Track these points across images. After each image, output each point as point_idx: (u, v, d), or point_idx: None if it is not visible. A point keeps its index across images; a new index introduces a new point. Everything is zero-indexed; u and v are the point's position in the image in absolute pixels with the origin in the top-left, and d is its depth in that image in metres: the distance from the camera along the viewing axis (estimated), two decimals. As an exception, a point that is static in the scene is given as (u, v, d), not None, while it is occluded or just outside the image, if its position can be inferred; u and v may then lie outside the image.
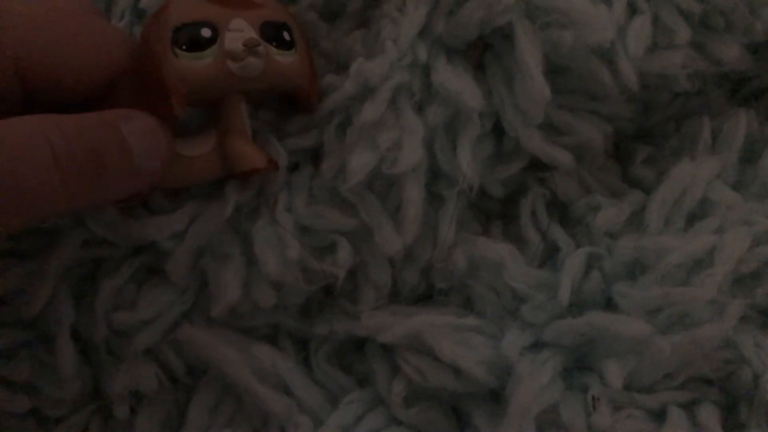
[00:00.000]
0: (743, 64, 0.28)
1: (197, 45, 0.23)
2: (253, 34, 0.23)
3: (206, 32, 0.23)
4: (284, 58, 0.24)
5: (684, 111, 0.29)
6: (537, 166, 0.27)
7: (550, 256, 0.27)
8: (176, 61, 0.23)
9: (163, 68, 0.23)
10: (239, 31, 0.23)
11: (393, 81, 0.25)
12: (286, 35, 0.24)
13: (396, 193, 0.25)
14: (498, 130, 0.26)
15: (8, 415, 0.26)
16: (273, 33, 0.24)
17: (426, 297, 0.27)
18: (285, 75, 0.24)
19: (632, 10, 0.26)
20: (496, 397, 0.24)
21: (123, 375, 0.26)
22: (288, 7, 0.26)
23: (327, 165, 0.25)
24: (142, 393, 0.26)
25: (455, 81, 0.25)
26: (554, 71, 0.26)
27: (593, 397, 0.23)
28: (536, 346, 0.24)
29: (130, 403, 0.27)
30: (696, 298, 0.24)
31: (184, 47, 0.23)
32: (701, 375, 0.24)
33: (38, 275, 0.25)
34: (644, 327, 0.23)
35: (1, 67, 0.22)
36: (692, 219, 0.26)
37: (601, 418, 0.23)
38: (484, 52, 0.27)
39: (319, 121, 0.26)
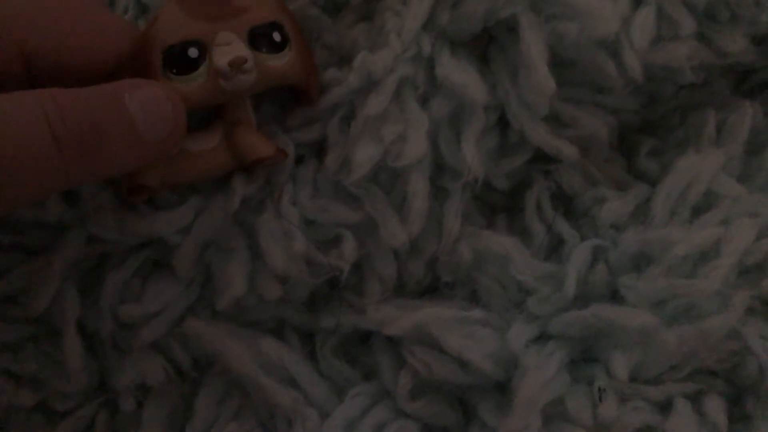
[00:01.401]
0: (748, 56, 0.28)
1: (187, 67, 0.23)
2: (240, 46, 0.23)
3: (193, 52, 0.23)
4: (277, 61, 0.24)
5: (689, 103, 0.29)
6: (542, 159, 0.27)
7: (555, 249, 0.27)
8: (171, 84, 0.23)
9: None
10: (227, 45, 0.23)
11: (397, 74, 0.25)
12: (276, 36, 0.24)
13: (401, 186, 0.25)
14: (503, 123, 0.26)
15: (15, 409, 0.27)
16: (262, 38, 0.24)
17: (431, 290, 0.27)
18: (280, 76, 0.24)
19: (637, 2, 0.26)
20: (502, 390, 0.24)
21: (129, 368, 0.26)
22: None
23: (331, 158, 0.25)
24: (148, 386, 0.27)
25: (459, 74, 0.25)
26: (559, 64, 0.25)
27: (599, 389, 0.23)
28: (542, 338, 0.24)
29: (136, 397, 0.27)
30: (701, 290, 0.24)
31: (174, 71, 0.23)
32: (707, 367, 0.24)
33: (44, 272, 0.25)
34: (650, 319, 0.23)
35: (7, 51, 0.22)
36: (697, 211, 0.26)
37: (607, 409, 0.23)
38: (489, 44, 0.26)
39: (323, 115, 0.26)
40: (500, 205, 0.29)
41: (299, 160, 0.26)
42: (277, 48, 0.24)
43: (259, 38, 0.24)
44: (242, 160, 0.25)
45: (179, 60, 0.23)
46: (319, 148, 0.26)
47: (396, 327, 0.25)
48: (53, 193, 0.25)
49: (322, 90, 0.26)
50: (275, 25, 0.24)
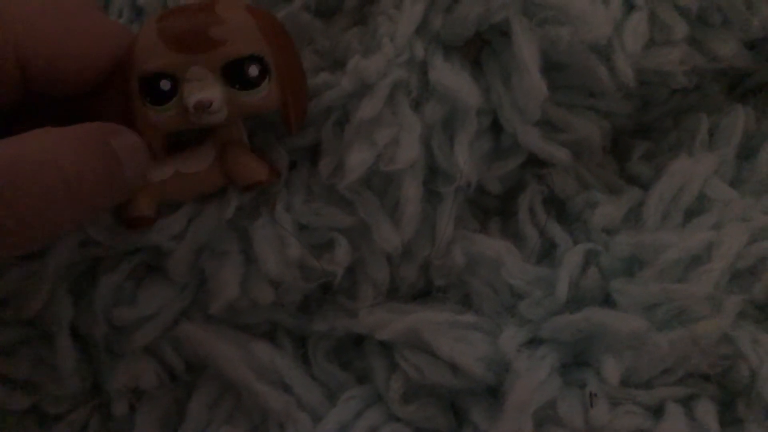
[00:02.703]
0: (741, 60, 0.28)
1: (159, 99, 0.23)
2: (209, 84, 0.23)
3: (165, 85, 0.23)
4: (251, 97, 0.23)
5: (681, 107, 0.29)
6: (534, 163, 0.27)
7: (547, 253, 0.27)
8: (146, 111, 0.23)
9: (137, 120, 0.23)
10: (198, 81, 0.23)
11: (390, 78, 0.25)
12: (253, 70, 0.23)
13: (394, 190, 0.25)
14: (495, 127, 0.26)
15: (8, 412, 0.27)
16: (235, 73, 0.23)
17: (424, 294, 0.27)
18: (254, 110, 0.24)
19: (629, 7, 0.26)
20: (494, 394, 0.24)
21: (122, 372, 0.26)
22: (268, 17, 0.24)
23: (324, 163, 0.26)
24: (141, 390, 0.27)
25: (452, 78, 0.25)
26: (551, 68, 0.25)
27: (591, 393, 0.23)
28: (534, 342, 0.24)
29: (129, 400, 0.27)
30: (693, 294, 0.24)
31: (149, 100, 0.23)
32: (699, 371, 0.24)
33: (37, 276, 0.25)
34: (642, 323, 0.23)
35: (2, 55, 0.22)
36: (690, 215, 0.26)
37: (598, 413, 0.23)
38: (482, 49, 0.27)
39: (316, 119, 0.26)
40: (493, 209, 0.29)
41: (292, 165, 0.26)
42: (252, 84, 0.23)
43: (232, 74, 0.23)
44: (235, 182, 0.25)
45: (152, 91, 0.23)
46: (313, 153, 0.26)
47: (388, 331, 0.25)
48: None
49: (313, 94, 0.26)
50: (252, 58, 0.23)
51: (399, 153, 0.25)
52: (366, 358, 0.26)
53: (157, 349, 0.26)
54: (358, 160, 0.24)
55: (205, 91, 0.23)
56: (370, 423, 0.25)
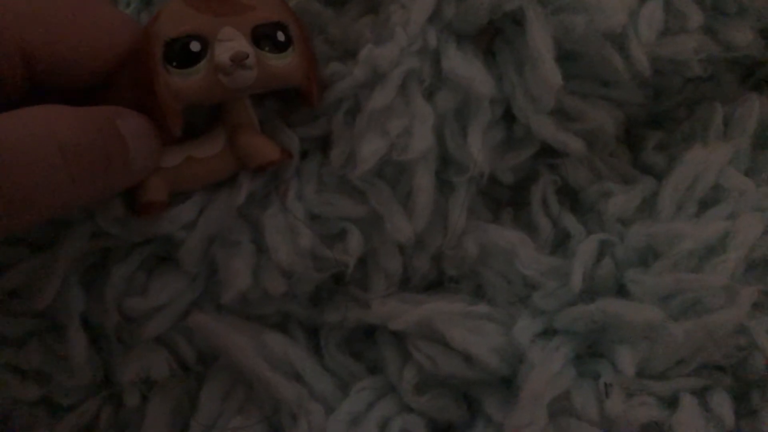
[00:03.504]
0: (755, 49, 0.28)
1: (187, 61, 0.23)
2: (243, 42, 0.23)
3: (195, 46, 0.23)
4: (279, 61, 0.24)
5: (696, 96, 0.29)
6: (548, 153, 0.27)
7: (561, 244, 0.27)
8: (169, 78, 0.23)
9: (157, 88, 0.23)
10: (229, 41, 0.23)
11: (403, 67, 0.25)
12: (280, 35, 0.24)
13: (406, 180, 0.25)
14: (509, 117, 0.26)
15: (19, 403, 0.27)
16: (266, 36, 0.23)
17: (437, 284, 0.27)
18: (280, 78, 0.24)
19: (644, -5, 0.26)
20: (507, 385, 0.24)
21: (134, 362, 0.26)
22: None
23: (336, 152, 0.25)
24: (152, 380, 0.27)
25: (465, 67, 0.25)
26: (565, 57, 0.25)
27: (605, 384, 0.23)
28: (548, 333, 0.24)
29: (140, 391, 0.27)
30: (708, 285, 0.23)
31: (174, 64, 0.23)
32: (713, 362, 0.24)
33: (48, 268, 0.25)
34: (656, 313, 0.23)
35: (6, 51, 0.21)
36: (704, 205, 0.26)
37: (613, 404, 0.23)
38: (495, 37, 0.26)
39: (328, 109, 0.26)
40: (506, 200, 0.28)
41: (304, 154, 0.26)
42: (280, 48, 0.24)
43: (262, 37, 0.23)
44: (247, 163, 0.25)
45: (180, 53, 0.23)
46: (324, 143, 0.26)
47: (401, 321, 0.25)
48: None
49: (324, 87, 0.26)
50: (279, 25, 0.24)
51: (411, 143, 0.24)
52: (378, 349, 0.26)
53: (168, 340, 0.26)
54: (371, 149, 0.24)
55: (239, 47, 0.23)
56: (383, 414, 0.25)
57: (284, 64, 0.24)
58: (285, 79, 0.24)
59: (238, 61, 0.23)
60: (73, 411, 0.27)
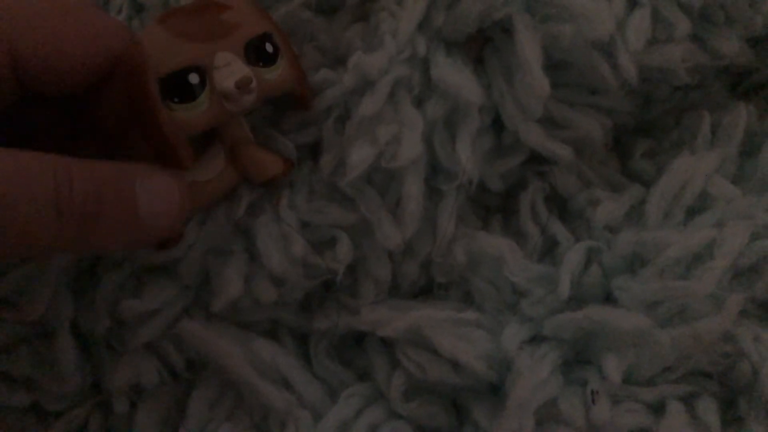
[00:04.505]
0: (743, 58, 0.28)
1: (189, 95, 0.22)
2: (240, 65, 0.22)
3: (194, 78, 0.22)
4: (273, 74, 0.23)
5: (684, 105, 0.29)
6: (536, 160, 0.27)
7: (549, 251, 0.27)
8: (173, 115, 0.22)
9: (163, 126, 0.22)
10: (226, 66, 0.22)
11: (392, 75, 0.25)
12: (268, 47, 0.23)
13: (395, 188, 0.25)
14: (497, 125, 0.26)
15: (8, 410, 0.27)
16: (256, 52, 0.23)
17: (426, 291, 0.27)
18: (276, 90, 0.24)
19: (632, 4, 0.26)
20: (495, 391, 0.24)
21: (123, 369, 0.26)
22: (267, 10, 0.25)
23: (326, 160, 0.25)
24: (142, 387, 0.27)
25: (454, 75, 0.25)
26: (554, 65, 0.25)
27: (592, 391, 0.23)
28: (535, 340, 0.24)
29: (130, 398, 0.27)
30: (695, 292, 0.24)
31: (176, 99, 0.22)
32: (700, 369, 0.24)
33: (39, 277, 0.25)
34: (643, 321, 0.23)
35: None
36: (692, 213, 0.26)
37: (600, 411, 0.23)
38: (484, 45, 0.26)
39: (318, 116, 0.26)
40: (495, 207, 0.29)
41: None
42: (271, 60, 0.23)
43: (254, 53, 0.23)
44: (253, 179, 0.25)
45: (180, 88, 0.22)
46: (315, 150, 0.26)
47: (390, 328, 0.25)
48: None
49: (314, 93, 0.26)
50: (266, 36, 0.23)
51: (401, 150, 0.24)
52: (367, 356, 0.26)
53: (158, 347, 0.26)
54: (360, 157, 0.24)
55: (240, 72, 0.22)
56: (371, 420, 0.25)
57: (277, 75, 0.24)
58: (280, 89, 0.24)
59: (245, 86, 0.22)
60: (62, 418, 0.27)
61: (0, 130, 0.24)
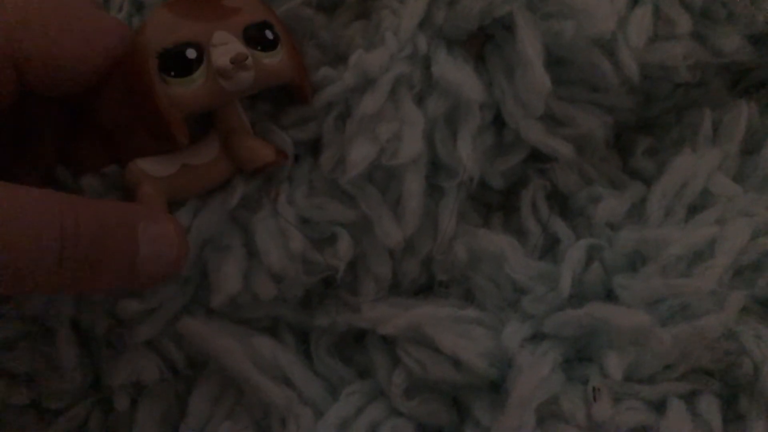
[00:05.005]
0: (744, 55, 0.28)
1: (185, 69, 0.23)
2: (238, 44, 0.23)
3: (191, 53, 0.23)
4: (272, 59, 0.24)
5: (685, 102, 0.29)
6: (537, 158, 0.27)
7: (550, 248, 0.27)
8: (168, 89, 0.23)
9: (158, 101, 0.22)
10: (224, 45, 0.23)
11: (393, 72, 0.25)
12: (269, 34, 0.24)
13: (396, 185, 0.25)
14: (498, 122, 0.26)
15: (9, 407, 0.27)
16: (256, 36, 0.24)
17: (426, 289, 0.27)
18: (275, 75, 0.24)
19: (633, 1, 0.26)
20: (496, 389, 0.24)
21: (124, 366, 0.26)
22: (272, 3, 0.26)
23: (326, 157, 0.25)
24: (142, 385, 0.27)
25: (455, 72, 0.25)
26: (555, 62, 0.25)
27: (594, 389, 0.23)
28: (536, 337, 0.24)
29: (130, 395, 0.27)
30: (697, 290, 0.24)
31: (172, 73, 0.23)
32: (702, 366, 0.24)
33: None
34: (645, 318, 0.23)
35: None
36: (693, 210, 0.26)
37: (601, 409, 0.23)
38: (485, 43, 0.26)
39: (318, 113, 0.26)
40: (496, 204, 0.29)
41: (295, 158, 0.26)
42: (271, 46, 0.24)
43: (253, 37, 0.24)
44: (244, 167, 0.25)
45: (176, 62, 0.23)
46: (315, 147, 0.26)
47: (391, 326, 0.25)
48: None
49: (315, 89, 0.26)
50: (266, 24, 0.24)
51: (401, 148, 0.24)
52: (368, 353, 0.26)
53: (158, 344, 0.26)
54: (361, 154, 0.24)
55: (236, 49, 0.23)
56: (372, 418, 0.25)
57: (276, 61, 0.24)
58: (279, 76, 0.24)
59: (239, 62, 0.22)
60: (62, 415, 0.27)
61: (0, 130, 0.24)
